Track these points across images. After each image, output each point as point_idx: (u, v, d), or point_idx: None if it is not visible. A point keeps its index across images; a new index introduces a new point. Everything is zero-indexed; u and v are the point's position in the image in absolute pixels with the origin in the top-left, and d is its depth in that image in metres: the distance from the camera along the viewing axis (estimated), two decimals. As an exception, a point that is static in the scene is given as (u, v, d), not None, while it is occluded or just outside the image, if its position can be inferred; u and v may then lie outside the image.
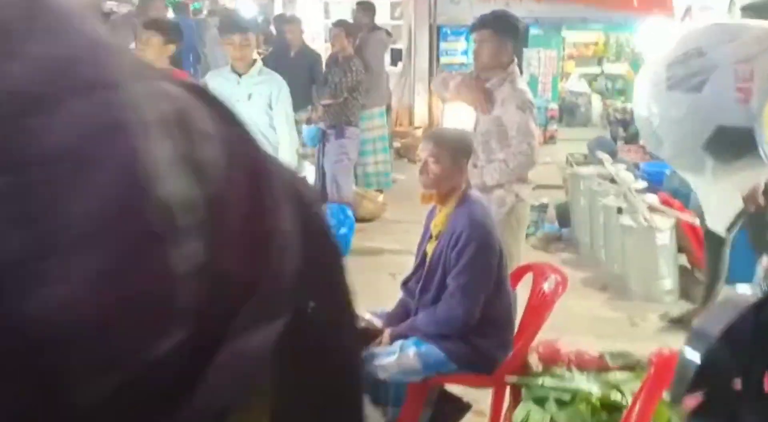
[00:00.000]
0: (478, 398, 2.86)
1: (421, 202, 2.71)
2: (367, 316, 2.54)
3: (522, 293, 2.89)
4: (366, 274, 4.87)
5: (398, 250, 4.78)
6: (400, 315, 2.74)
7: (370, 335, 2.50)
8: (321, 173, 5.80)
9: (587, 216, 5.22)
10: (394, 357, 2.53)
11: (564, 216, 5.71)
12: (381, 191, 6.41)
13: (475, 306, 2.49)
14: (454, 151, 2.59)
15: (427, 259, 2.65)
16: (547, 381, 2.49)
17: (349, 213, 5.33)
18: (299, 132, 5.93)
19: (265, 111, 3.49)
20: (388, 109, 7.17)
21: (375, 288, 4.54)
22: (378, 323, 2.56)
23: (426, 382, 2.60)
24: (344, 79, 5.55)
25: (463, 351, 2.54)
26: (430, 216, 2.72)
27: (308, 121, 6.05)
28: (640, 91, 2.84)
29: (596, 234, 5.04)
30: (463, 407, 2.84)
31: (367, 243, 5.48)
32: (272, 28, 8.44)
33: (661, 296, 4.34)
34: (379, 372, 2.53)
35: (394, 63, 8.66)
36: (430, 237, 2.67)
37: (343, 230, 5.18)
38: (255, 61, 3.55)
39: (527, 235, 5.10)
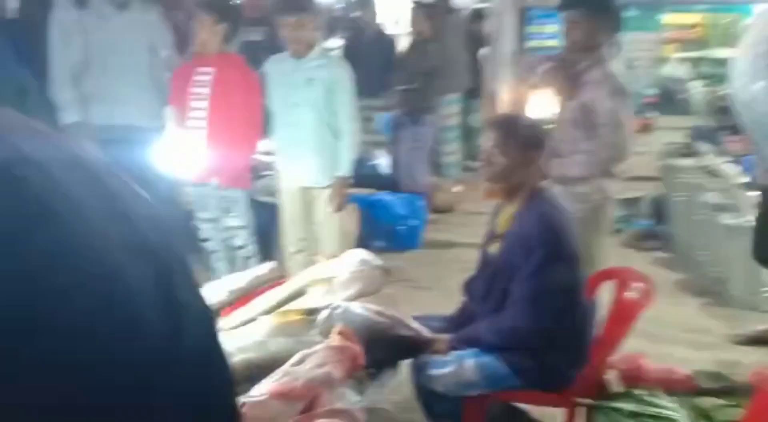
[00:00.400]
0: (553, 413, 2.57)
1: (483, 197, 2.44)
2: (415, 325, 2.30)
3: (603, 299, 2.58)
4: (436, 268, 4.66)
5: (471, 244, 4.50)
6: (461, 320, 2.48)
7: (418, 345, 2.27)
8: (396, 161, 5.60)
9: (685, 213, 4.88)
10: (451, 368, 2.28)
11: (659, 211, 5.34)
12: (459, 181, 6.14)
13: (543, 318, 2.21)
14: (523, 140, 2.30)
15: (491, 261, 2.38)
16: (626, 405, 2.18)
17: (422, 203, 5.12)
18: (372, 119, 5.75)
19: (326, 96, 3.30)
20: (473, 95, 6.84)
21: (444, 283, 4.31)
22: (426, 332, 2.31)
23: (486, 396, 2.34)
24: (420, 64, 5.31)
25: (528, 366, 2.27)
26: (496, 212, 2.44)
27: (384, 108, 5.86)
28: (740, 70, 2.43)
29: (694, 232, 4.68)
30: (529, 423, 2.59)
31: (439, 236, 5.26)
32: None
33: (764, 304, 3.97)
34: (434, 384, 2.30)
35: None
36: (495, 236, 2.39)
37: (414, 221, 4.98)
38: (315, 44, 3.35)
39: (617, 231, 4.76)
